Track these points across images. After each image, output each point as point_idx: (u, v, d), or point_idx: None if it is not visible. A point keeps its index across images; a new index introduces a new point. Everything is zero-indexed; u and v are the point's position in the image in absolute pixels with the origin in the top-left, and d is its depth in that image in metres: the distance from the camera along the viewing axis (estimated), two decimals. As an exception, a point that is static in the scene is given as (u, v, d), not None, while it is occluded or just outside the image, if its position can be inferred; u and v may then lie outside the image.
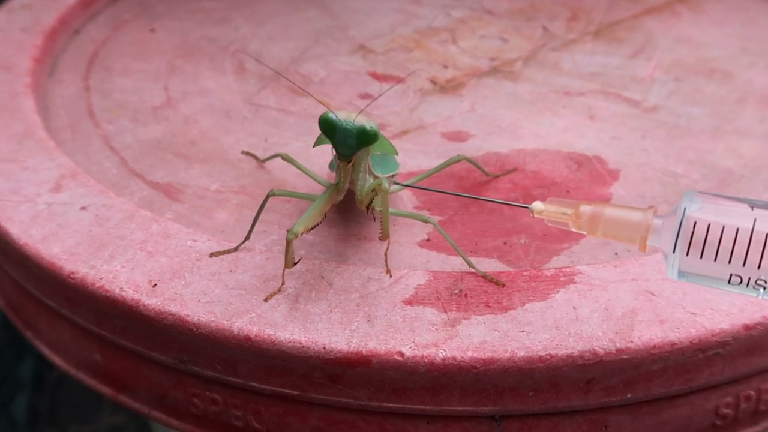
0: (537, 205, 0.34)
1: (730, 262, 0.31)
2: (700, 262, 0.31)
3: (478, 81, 0.58)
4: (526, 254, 0.41)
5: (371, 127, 0.35)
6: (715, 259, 0.31)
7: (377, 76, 0.58)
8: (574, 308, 0.36)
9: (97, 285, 0.37)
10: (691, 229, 0.31)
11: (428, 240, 0.43)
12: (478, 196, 0.40)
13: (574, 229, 0.34)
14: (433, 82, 0.58)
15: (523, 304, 0.36)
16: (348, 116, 0.35)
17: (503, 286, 0.37)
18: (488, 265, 0.41)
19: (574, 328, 0.35)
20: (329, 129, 0.36)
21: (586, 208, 0.33)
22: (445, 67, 0.59)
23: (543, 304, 0.36)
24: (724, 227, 0.31)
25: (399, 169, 0.45)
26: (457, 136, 0.52)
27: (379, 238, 0.37)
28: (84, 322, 0.39)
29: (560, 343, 0.34)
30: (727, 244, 0.31)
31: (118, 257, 0.39)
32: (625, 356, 0.34)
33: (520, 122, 0.53)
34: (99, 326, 0.39)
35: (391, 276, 0.38)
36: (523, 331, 0.35)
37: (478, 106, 0.55)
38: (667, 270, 0.32)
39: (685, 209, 0.32)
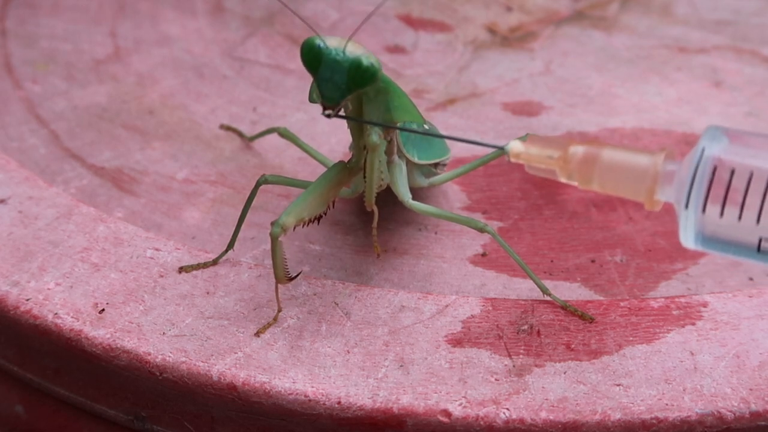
0: (514, 145, 0.35)
1: (759, 221, 0.31)
2: (721, 221, 0.32)
3: (556, 30, 0.59)
4: (623, 277, 0.42)
5: (369, 61, 0.36)
6: (740, 218, 0.31)
7: (411, 21, 0.59)
8: (692, 354, 0.37)
9: (21, 309, 0.39)
10: (710, 177, 0.32)
11: (484, 255, 0.44)
12: (443, 134, 0.39)
13: (563, 179, 0.34)
14: (492, 30, 0.59)
15: (620, 347, 0.37)
16: (340, 44, 0.36)
17: (591, 321, 0.38)
18: (570, 291, 0.42)
19: (691, 381, 0.36)
20: (312, 59, 0.36)
21: (577, 150, 0.34)
22: (509, 9, 0.60)
23: (648, 347, 0.37)
24: (752, 173, 0.31)
25: (449, 154, 0.46)
26: (526, 108, 0.53)
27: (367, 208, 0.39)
28: (2, 361, 0.41)
29: (672, 403, 0.35)
30: (755, 197, 0.31)
31: (51, 271, 0.40)
32: (762, 422, 0.35)
33: (614, 90, 0.54)
34: (23, 367, 0.40)
35: (379, 255, 0.39)
36: (619, 385, 0.36)
37: (556, 65, 0.56)
38: (680, 234, 0.33)
39: (703, 150, 0.32)
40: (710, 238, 0.32)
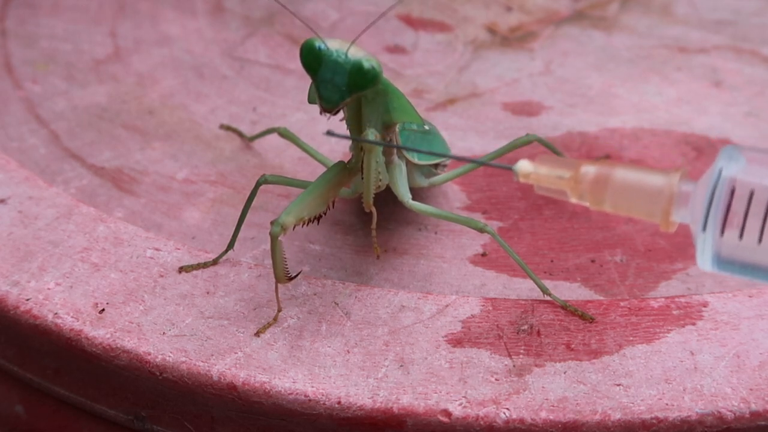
0: (523, 165, 0.34)
1: None
2: (740, 244, 0.31)
3: (556, 30, 0.59)
4: (623, 277, 0.42)
5: (371, 64, 0.36)
6: (760, 241, 0.31)
7: (412, 21, 0.60)
8: (692, 354, 0.37)
9: (21, 309, 0.39)
10: (728, 198, 0.31)
11: (484, 255, 0.44)
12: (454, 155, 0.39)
13: (574, 200, 0.34)
14: (492, 30, 0.59)
15: (620, 347, 0.37)
16: (341, 46, 0.36)
17: (591, 321, 0.38)
18: (570, 291, 0.42)
19: (691, 381, 0.36)
20: (312, 60, 0.36)
21: (589, 170, 0.33)
22: (509, 9, 0.60)
23: (648, 347, 0.37)
24: None
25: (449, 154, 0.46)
26: (526, 108, 0.53)
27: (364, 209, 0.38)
28: (2, 361, 0.41)
29: (672, 403, 0.35)
30: None
31: (51, 271, 0.40)
32: (762, 422, 0.35)
33: (614, 90, 0.54)
34: (23, 367, 0.40)
35: (378, 256, 0.39)
36: (619, 385, 0.36)
37: (556, 65, 0.56)
38: (697, 257, 0.32)
39: (721, 170, 0.32)
40: (728, 261, 0.32)
